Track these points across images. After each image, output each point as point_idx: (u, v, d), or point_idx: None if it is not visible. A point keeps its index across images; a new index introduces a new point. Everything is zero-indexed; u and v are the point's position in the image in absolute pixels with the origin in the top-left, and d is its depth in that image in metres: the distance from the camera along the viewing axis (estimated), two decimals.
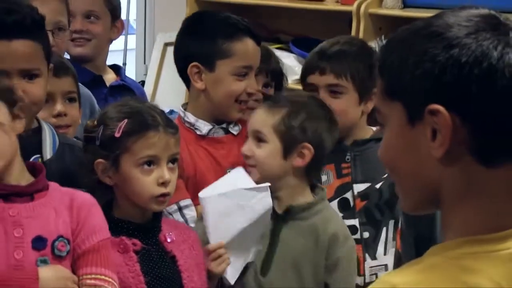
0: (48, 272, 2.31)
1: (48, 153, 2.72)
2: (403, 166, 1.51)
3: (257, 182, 2.82)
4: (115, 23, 3.85)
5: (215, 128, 3.11)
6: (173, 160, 2.60)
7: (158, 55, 5.25)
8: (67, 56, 3.68)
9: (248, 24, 3.26)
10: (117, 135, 2.53)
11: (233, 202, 2.73)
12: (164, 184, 2.55)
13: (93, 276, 2.37)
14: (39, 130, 2.75)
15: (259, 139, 2.85)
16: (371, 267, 3.07)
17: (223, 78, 3.09)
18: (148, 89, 4.93)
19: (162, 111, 2.69)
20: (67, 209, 2.40)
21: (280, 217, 2.85)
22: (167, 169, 2.57)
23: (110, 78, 3.82)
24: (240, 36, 3.14)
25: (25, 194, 2.38)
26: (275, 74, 3.41)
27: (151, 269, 2.54)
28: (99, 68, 3.80)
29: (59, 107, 2.90)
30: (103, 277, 2.38)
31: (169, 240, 2.62)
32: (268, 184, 2.79)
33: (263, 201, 2.81)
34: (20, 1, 2.84)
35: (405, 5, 4.53)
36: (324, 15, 4.79)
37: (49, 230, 2.36)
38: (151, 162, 2.55)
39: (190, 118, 3.09)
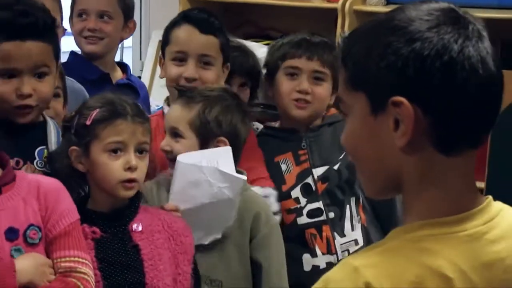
0: (24, 262, 2.33)
1: (53, 144, 2.74)
2: (365, 154, 1.53)
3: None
4: (128, 23, 3.85)
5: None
6: (140, 149, 2.62)
7: (153, 51, 5.23)
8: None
9: (190, 13, 3.32)
10: (88, 122, 2.59)
11: (204, 177, 2.74)
12: (130, 169, 2.56)
13: (67, 259, 2.42)
14: (44, 124, 2.80)
15: (176, 134, 2.83)
16: (342, 244, 3.11)
17: (166, 64, 3.14)
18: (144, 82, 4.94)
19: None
20: (35, 197, 2.44)
21: None
22: (134, 156, 2.54)
23: (117, 76, 3.84)
24: (180, 23, 3.15)
25: (5, 183, 2.36)
26: (252, 74, 3.38)
27: (108, 256, 2.54)
28: (108, 65, 3.81)
29: None
30: (77, 258, 2.42)
31: (138, 229, 2.60)
32: (245, 178, 2.81)
33: (232, 189, 2.81)
34: (34, 3, 2.88)
35: (388, 2, 4.52)
36: (311, 13, 4.78)
37: (19, 220, 2.39)
38: (118, 148, 2.59)
39: (165, 108, 3.13)
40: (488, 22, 4.75)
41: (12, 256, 2.35)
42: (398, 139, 1.45)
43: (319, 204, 3.08)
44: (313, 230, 3.10)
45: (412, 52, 1.42)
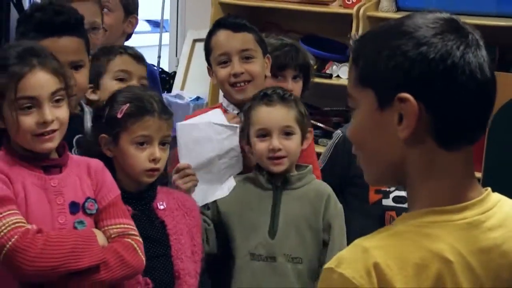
0: (94, 229, 2.39)
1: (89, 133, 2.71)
2: (370, 144, 1.51)
3: (286, 170, 2.81)
4: (129, 18, 3.77)
5: (240, 113, 3.03)
6: (164, 142, 2.62)
7: (188, 49, 5.21)
8: None
9: (221, 20, 3.30)
10: (119, 115, 2.57)
11: (204, 133, 2.77)
12: (154, 160, 2.57)
13: (118, 226, 2.42)
14: (81, 114, 2.81)
15: (288, 133, 2.78)
16: None
17: (215, 69, 3.06)
18: (178, 78, 4.94)
19: (161, 99, 2.71)
20: (86, 174, 2.44)
21: (279, 188, 2.83)
22: (158, 148, 2.55)
23: None
24: (215, 31, 3.10)
25: (60, 166, 2.40)
26: (303, 68, 3.31)
27: (140, 231, 2.50)
28: None
29: None
30: (126, 225, 2.43)
31: (161, 207, 2.61)
32: (237, 125, 2.83)
33: (230, 138, 2.86)
34: (64, 4, 2.86)
35: (398, 9, 4.51)
36: (329, 17, 4.77)
37: (78, 195, 2.40)
38: (145, 141, 2.58)
39: (224, 103, 3.08)
40: (487, 28, 4.73)
41: (75, 228, 2.37)
42: (401, 131, 1.44)
43: (405, 193, 3.04)
44: (393, 213, 3.06)
45: (419, 55, 1.42)
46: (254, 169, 2.89)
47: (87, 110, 2.83)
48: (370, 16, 4.44)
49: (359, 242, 1.45)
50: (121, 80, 2.90)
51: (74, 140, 2.75)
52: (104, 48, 3.07)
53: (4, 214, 2.26)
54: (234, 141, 2.87)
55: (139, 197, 2.61)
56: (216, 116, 2.90)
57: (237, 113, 3.04)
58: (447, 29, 1.45)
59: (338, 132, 3.31)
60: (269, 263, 2.79)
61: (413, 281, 1.39)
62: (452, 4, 4.29)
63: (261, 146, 2.80)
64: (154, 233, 2.59)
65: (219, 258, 2.86)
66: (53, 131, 2.35)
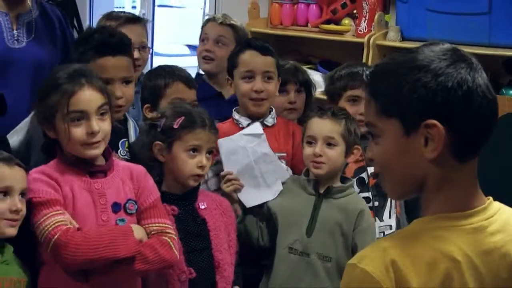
0: (134, 226, 2.40)
1: (132, 137, 2.76)
2: (396, 166, 1.50)
3: (323, 176, 2.82)
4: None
5: (252, 122, 3.03)
6: (210, 151, 2.63)
7: None
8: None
9: (250, 41, 3.29)
10: (175, 126, 2.58)
11: (237, 143, 2.78)
12: (201, 167, 2.59)
13: (157, 225, 2.43)
14: (125, 121, 2.84)
15: (330, 143, 2.78)
16: (380, 227, 3.03)
17: (237, 83, 3.06)
18: None
19: (210, 116, 2.70)
20: (129, 179, 2.46)
21: (322, 195, 2.83)
22: (205, 157, 2.59)
23: (229, 93, 3.63)
24: (244, 50, 3.10)
25: (104, 171, 2.43)
26: (303, 83, 3.35)
27: (184, 227, 2.54)
28: (219, 84, 3.69)
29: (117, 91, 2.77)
30: (164, 224, 2.44)
31: (202, 207, 2.61)
32: (262, 132, 2.88)
33: (260, 145, 2.89)
34: (114, 28, 2.93)
35: (403, 39, 4.47)
36: (343, 45, 4.73)
37: (120, 196, 2.43)
38: (195, 149, 2.59)
39: (235, 115, 3.07)
40: (481, 56, 4.66)
41: (117, 224, 2.39)
42: (429, 153, 1.44)
43: (368, 194, 3.03)
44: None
45: (439, 85, 1.42)
46: (303, 174, 2.90)
47: (131, 121, 2.84)
48: (379, 44, 4.41)
49: (379, 242, 1.48)
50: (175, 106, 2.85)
51: (128, 146, 2.78)
52: (160, 70, 3.06)
53: (51, 214, 2.29)
54: (264, 146, 2.89)
55: (183, 198, 2.62)
56: (253, 128, 2.91)
57: (247, 124, 3.04)
58: (456, 59, 1.46)
59: None
60: (303, 258, 2.79)
61: (425, 277, 1.39)
62: (450, 35, 4.27)
63: (307, 150, 2.83)
64: (196, 229, 2.60)
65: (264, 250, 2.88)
66: (99, 141, 2.38)
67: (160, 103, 2.90)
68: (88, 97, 2.37)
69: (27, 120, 2.71)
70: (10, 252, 2.31)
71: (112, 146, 2.64)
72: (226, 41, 3.73)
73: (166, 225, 2.45)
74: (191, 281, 2.53)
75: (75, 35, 4.35)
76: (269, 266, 2.84)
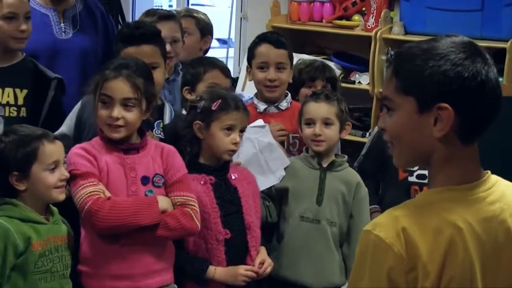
0: (160, 197, 2.39)
1: (167, 120, 2.72)
2: (406, 138, 1.47)
3: (323, 152, 2.80)
4: (204, 38, 3.67)
5: (269, 106, 3.03)
6: (242, 130, 2.62)
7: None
8: None
9: (266, 35, 3.26)
10: (213, 108, 2.56)
11: (244, 136, 2.68)
12: (235, 144, 2.57)
13: (182, 197, 2.42)
14: (162, 105, 2.78)
15: (327, 123, 2.76)
16: None
17: (254, 72, 3.05)
18: (240, 82, 4.86)
19: (241, 100, 2.70)
20: (159, 156, 2.45)
21: (325, 169, 2.82)
22: (238, 135, 2.58)
23: None
24: (260, 43, 3.09)
25: (137, 149, 2.43)
26: (330, 79, 3.31)
27: (220, 194, 2.56)
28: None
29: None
30: (188, 197, 2.43)
31: (233, 177, 2.60)
32: (266, 124, 2.86)
33: (264, 136, 2.84)
34: (141, 22, 2.98)
35: (406, 33, 4.48)
36: (354, 38, 4.74)
37: (149, 171, 2.42)
38: (230, 128, 2.57)
39: (254, 100, 3.06)
40: None
41: (146, 195, 2.39)
42: (437, 132, 1.41)
43: (425, 172, 2.82)
44: (417, 187, 2.99)
45: (456, 74, 1.39)
46: (304, 151, 2.88)
47: (167, 105, 2.80)
48: (385, 37, 4.41)
49: (390, 211, 1.44)
50: (213, 90, 2.80)
51: (158, 125, 2.74)
52: (202, 59, 3.04)
53: (86, 185, 2.31)
54: (268, 137, 2.84)
55: (218, 170, 2.61)
56: (257, 122, 2.87)
57: (264, 108, 3.03)
58: (474, 52, 1.42)
59: (376, 128, 3.28)
60: (315, 224, 2.77)
61: (431, 243, 1.37)
62: (447, 29, 4.28)
63: (307, 131, 2.80)
64: (230, 196, 2.59)
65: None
66: (119, 126, 2.37)
67: (198, 86, 2.88)
68: (118, 86, 2.36)
69: (77, 105, 2.72)
70: (57, 213, 2.34)
71: (149, 126, 2.65)
72: (189, 30, 3.61)
73: (190, 198, 2.42)
74: (227, 241, 2.54)
75: None
76: (279, 235, 2.82)
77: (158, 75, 2.68)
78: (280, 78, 3.04)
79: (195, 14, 3.76)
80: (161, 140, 2.66)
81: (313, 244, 2.78)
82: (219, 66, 2.98)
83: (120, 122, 2.36)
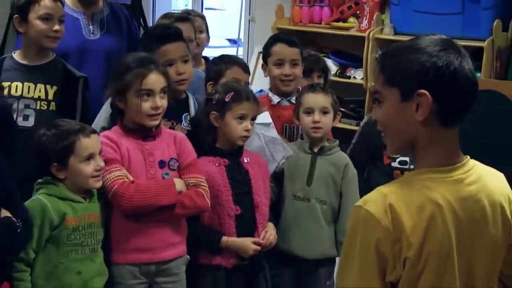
0: (176, 179, 2.42)
1: (192, 112, 2.74)
2: (394, 126, 1.47)
3: (321, 137, 2.80)
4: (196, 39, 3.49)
5: (282, 100, 3.01)
6: (253, 118, 2.60)
7: (255, 58, 5.19)
8: None
9: (280, 35, 3.27)
10: (226, 99, 2.56)
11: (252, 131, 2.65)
12: (247, 131, 2.56)
13: (194, 179, 2.44)
14: (186, 98, 2.79)
15: (325, 111, 2.75)
16: None
17: (270, 68, 3.04)
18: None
19: (252, 91, 2.71)
20: (173, 142, 2.46)
21: (316, 153, 2.81)
22: (250, 123, 2.57)
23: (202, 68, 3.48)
24: (276, 42, 3.08)
25: (154, 136, 2.44)
26: (323, 70, 3.32)
27: (233, 175, 2.57)
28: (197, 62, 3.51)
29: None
30: (199, 179, 2.44)
31: (245, 161, 2.59)
32: (270, 121, 2.82)
33: (269, 131, 2.81)
34: (168, 23, 3.01)
35: (396, 33, 4.47)
36: (349, 38, 4.74)
37: (165, 155, 2.43)
38: (242, 117, 2.56)
39: (269, 93, 3.05)
40: None
41: (163, 177, 2.40)
42: (418, 116, 1.41)
43: (406, 158, 2.95)
44: (398, 172, 2.98)
45: (432, 64, 1.39)
46: (299, 138, 2.89)
47: (191, 96, 2.80)
48: (377, 38, 4.41)
49: (379, 189, 1.44)
50: (229, 84, 2.78)
51: (186, 118, 2.75)
52: (224, 57, 3.02)
53: (111, 170, 2.32)
54: (273, 132, 2.82)
55: (232, 154, 2.60)
56: (264, 118, 2.83)
57: (277, 101, 3.00)
58: (448, 46, 1.42)
59: (364, 120, 3.28)
60: (305, 203, 2.78)
61: (415, 218, 1.38)
62: (432, 30, 4.31)
63: (306, 119, 2.79)
64: (241, 177, 2.59)
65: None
66: (158, 114, 2.38)
67: (220, 82, 2.85)
68: (156, 79, 2.37)
69: (109, 100, 2.69)
70: (96, 194, 2.35)
71: (177, 119, 2.66)
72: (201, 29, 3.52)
73: (201, 179, 2.42)
74: (237, 216, 2.55)
75: (141, 32, 4.40)
76: (276, 212, 2.82)
77: (189, 67, 2.71)
78: (294, 73, 3.03)
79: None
80: (188, 132, 2.66)
81: (304, 220, 2.78)
82: (239, 62, 2.96)
83: (160, 111, 2.38)
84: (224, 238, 2.54)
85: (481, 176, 1.49)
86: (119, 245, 2.39)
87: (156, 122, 2.40)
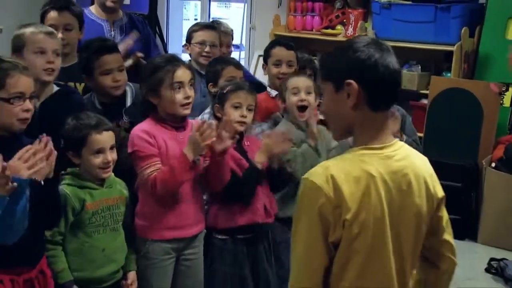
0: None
1: (128, 102, 2.67)
2: (333, 114, 1.50)
3: (303, 116, 2.74)
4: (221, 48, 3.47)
5: (279, 93, 2.96)
6: (249, 108, 2.55)
7: (255, 61, 5.20)
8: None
9: (279, 39, 3.31)
10: (224, 91, 2.55)
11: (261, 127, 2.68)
12: (243, 116, 2.52)
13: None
14: (124, 95, 2.66)
15: (309, 91, 2.77)
16: None
17: (269, 68, 3.09)
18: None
19: (247, 83, 2.64)
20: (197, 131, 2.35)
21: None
22: (246, 111, 2.53)
23: None
24: (275, 46, 3.13)
25: (184, 126, 2.42)
26: (314, 70, 3.29)
27: (238, 154, 2.54)
28: None
29: None
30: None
31: (246, 144, 2.60)
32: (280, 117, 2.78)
33: (282, 125, 2.77)
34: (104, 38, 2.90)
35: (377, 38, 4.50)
36: (337, 43, 4.55)
37: None
38: (239, 106, 2.52)
39: (268, 89, 3.10)
40: (427, 51, 4.74)
41: (195, 162, 2.34)
42: (349, 103, 1.44)
43: None
44: None
45: (356, 58, 1.42)
46: (294, 120, 2.81)
47: (128, 89, 2.70)
48: None
49: (323, 162, 1.47)
50: (229, 81, 2.79)
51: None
52: (218, 60, 3.01)
53: (149, 165, 2.29)
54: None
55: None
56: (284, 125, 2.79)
57: (275, 94, 2.98)
58: (372, 43, 1.44)
59: None
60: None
61: (353, 187, 1.41)
62: (409, 36, 4.32)
63: (293, 99, 2.76)
64: (243, 156, 2.56)
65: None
66: (189, 103, 2.37)
67: (219, 81, 2.85)
68: (184, 72, 2.35)
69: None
70: (111, 180, 2.33)
71: (119, 117, 2.60)
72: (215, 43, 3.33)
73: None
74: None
75: (158, 40, 4.37)
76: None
77: (124, 75, 2.65)
78: (290, 72, 3.07)
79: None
80: (131, 123, 2.56)
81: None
82: (232, 62, 2.96)
83: (190, 100, 2.36)
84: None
85: (408, 155, 1.51)
86: (150, 224, 2.38)
87: (188, 111, 2.37)
